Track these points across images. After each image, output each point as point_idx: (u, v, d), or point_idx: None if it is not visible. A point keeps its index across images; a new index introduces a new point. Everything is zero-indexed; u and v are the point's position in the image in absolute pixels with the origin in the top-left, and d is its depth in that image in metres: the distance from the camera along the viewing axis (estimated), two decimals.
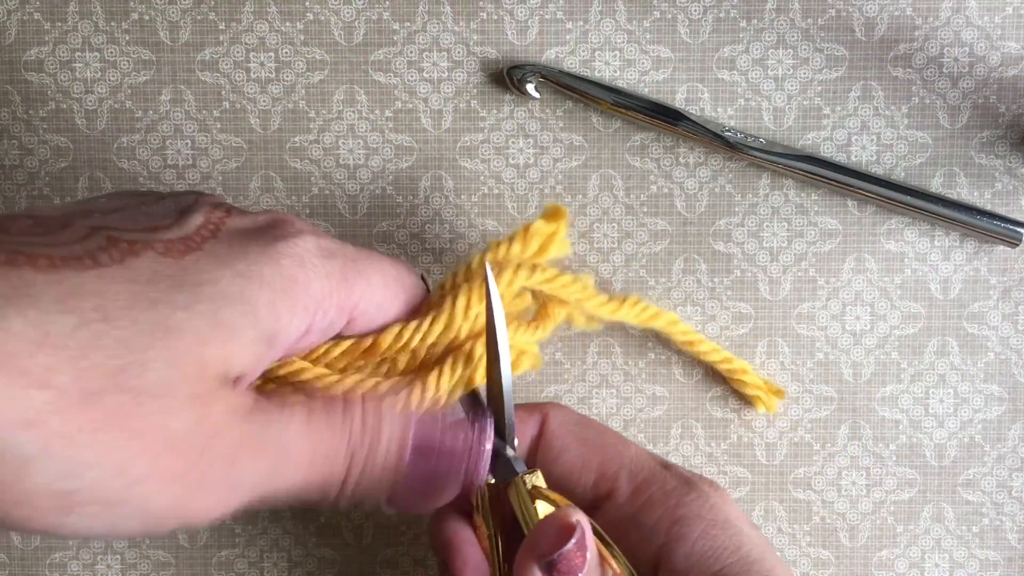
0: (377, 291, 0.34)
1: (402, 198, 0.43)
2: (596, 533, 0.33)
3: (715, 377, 0.43)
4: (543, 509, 0.33)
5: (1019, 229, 0.41)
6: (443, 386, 0.34)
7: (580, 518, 0.31)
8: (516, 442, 0.35)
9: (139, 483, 0.26)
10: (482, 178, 0.43)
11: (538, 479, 0.34)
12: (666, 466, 0.36)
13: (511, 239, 0.37)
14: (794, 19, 0.42)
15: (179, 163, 0.43)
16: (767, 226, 0.43)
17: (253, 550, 0.44)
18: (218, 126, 0.43)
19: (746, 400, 0.43)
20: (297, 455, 0.31)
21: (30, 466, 0.25)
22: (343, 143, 0.43)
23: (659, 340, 0.43)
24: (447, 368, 0.35)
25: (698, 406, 0.43)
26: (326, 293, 0.32)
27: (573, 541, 0.31)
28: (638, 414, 0.43)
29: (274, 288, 0.30)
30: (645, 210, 0.43)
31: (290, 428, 0.30)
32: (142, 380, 0.26)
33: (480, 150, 0.43)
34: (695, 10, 0.42)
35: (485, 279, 0.34)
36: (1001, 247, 0.42)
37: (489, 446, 0.34)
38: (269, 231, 0.31)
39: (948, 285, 0.43)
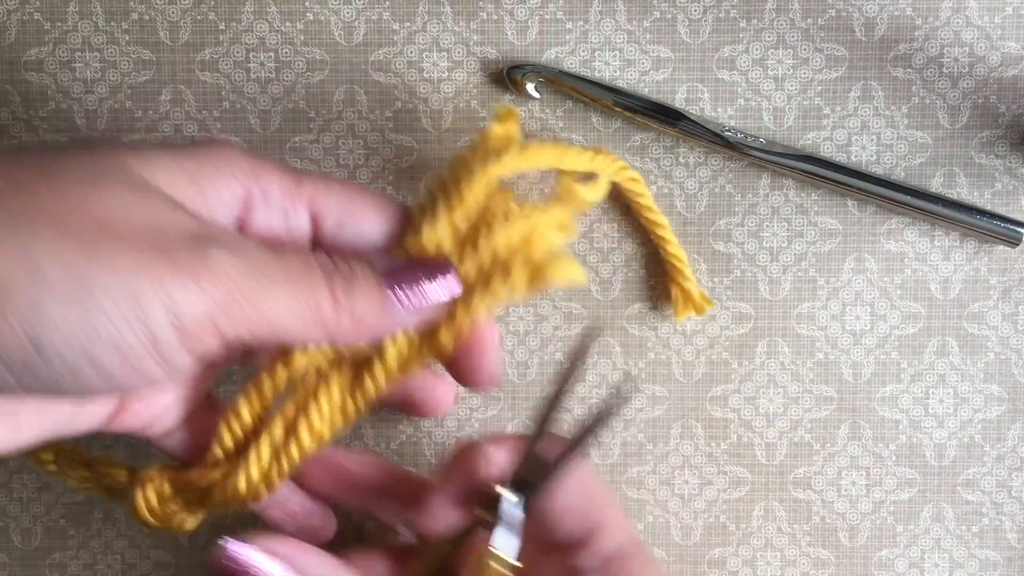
0: (339, 198, 0.34)
1: (402, 198, 0.43)
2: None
3: (715, 376, 0.43)
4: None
5: (1019, 229, 0.41)
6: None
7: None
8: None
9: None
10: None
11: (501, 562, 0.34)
12: (645, 545, 0.36)
13: (472, 152, 0.36)
14: (794, 19, 0.42)
15: None
16: (767, 226, 0.43)
17: None
18: (218, 126, 0.43)
19: (665, 299, 0.43)
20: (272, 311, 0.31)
21: None
22: (343, 143, 0.43)
23: (659, 340, 0.43)
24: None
25: (698, 406, 0.44)
26: (261, 167, 0.33)
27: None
28: (638, 414, 0.44)
29: (191, 148, 0.32)
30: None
31: (242, 259, 0.30)
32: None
33: None
34: (695, 10, 0.42)
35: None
36: (1001, 247, 0.42)
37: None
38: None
39: (948, 285, 0.43)
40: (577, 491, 0.35)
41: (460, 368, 0.36)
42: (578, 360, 0.35)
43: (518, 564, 0.34)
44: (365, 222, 0.34)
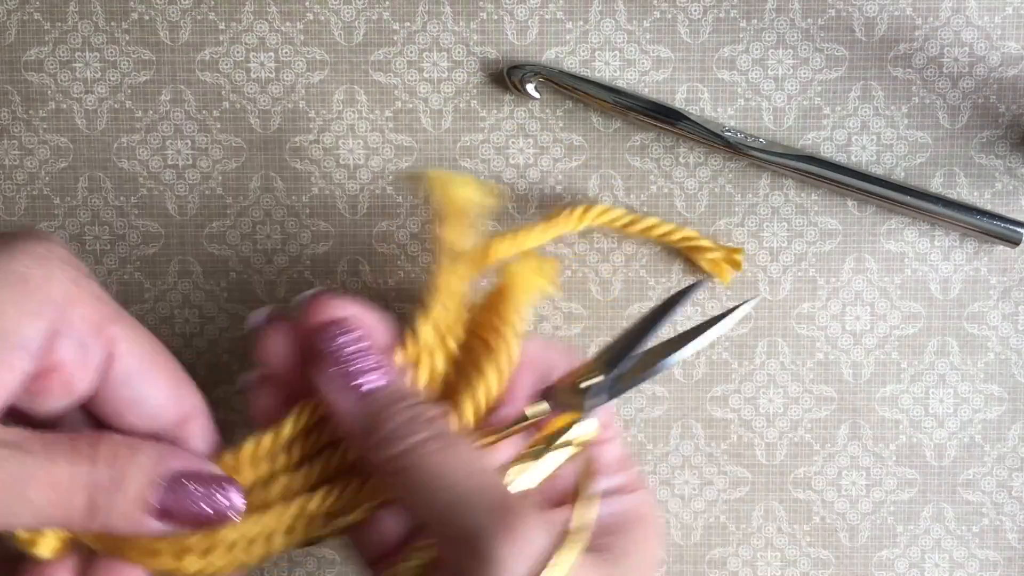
0: (142, 349, 0.31)
1: (402, 198, 0.43)
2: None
3: (715, 376, 0.43)
4: None
5: (1019, 229, 0.41)
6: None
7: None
8: None
9: None
10: (482, 178, 0.43)
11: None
12: None
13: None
14: (794, 19, 0.42)
15: (179, 163, 0.43)
16: (767, 226, 0.43)
17: None
18: (218, 126, 0.43)
19: (702, 271, 0.43)
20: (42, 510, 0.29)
21: None
22: (343, 143, 0.43)
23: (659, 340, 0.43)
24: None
25: (698, 406, 0.43)
26: (71, 299, 0.29)
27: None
28: (638, 414, 0.43)
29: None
30: (645, 210, 0.43)
31: (25, 465, 0.28)
32: None
33: (480, 150, 0.43)
34: (695, 10, 0.42)
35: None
36: (1001, 247, 0.42)
37: None
38: (21, 235, 0.30)
39: (948, 285, 0.43)
40: (621, 448, 0.35)
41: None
42: (675, 303, 0.34)
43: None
44: (153, 388, 0.32)
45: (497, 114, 0.43)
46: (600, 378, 0.33)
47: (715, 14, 0.42)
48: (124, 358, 0.31)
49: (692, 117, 0.42)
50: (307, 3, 0.42)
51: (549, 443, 0.33)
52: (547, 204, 0.43)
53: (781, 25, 0.42)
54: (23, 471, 0.28)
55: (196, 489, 0.31)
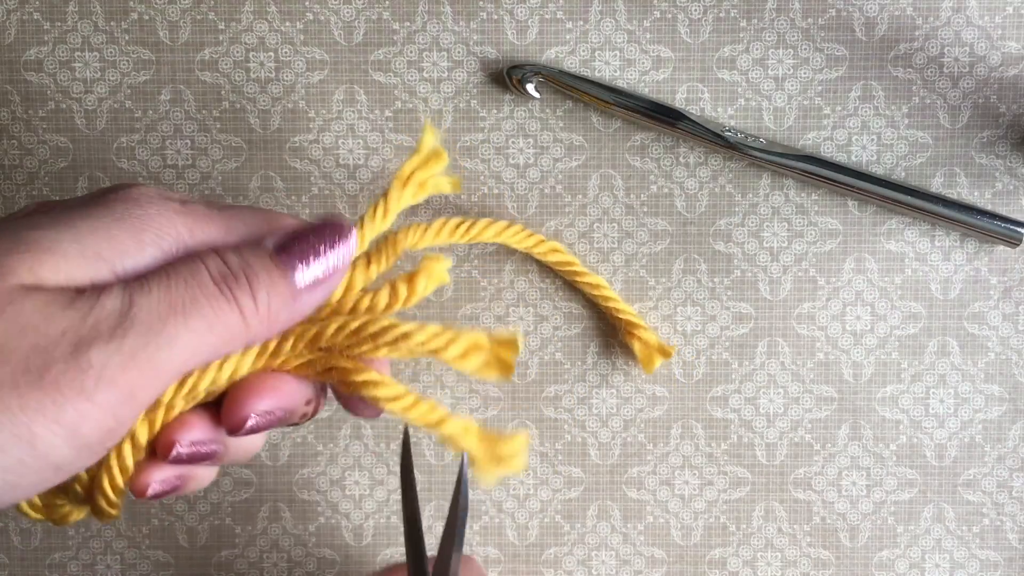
0: (249, 220, 0.32)
1: None
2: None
3: (715, 376, 0.43)
4: None
5: (1019, 229, 0.41)
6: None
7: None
8: None
9: None
10: (482, 178, 0.43)
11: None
12: None
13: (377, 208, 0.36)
14: (794, 19, 0.42)
15: (179, 163, 0.43)
16: (767, 226, 0.43)
17: (253, 550, 0.44)
18: (218, 126, 0.43)
19: (631, 350, 0.43)
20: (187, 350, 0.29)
21: None
22: (343, 143, 0.43)
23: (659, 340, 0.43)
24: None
25: (698, 406, 0.43)
26: (183, 226, 0.30)
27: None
28: (638, 414, 0.43)
29: (104, 217, 0.29)
30: (645, 210, 0.43)
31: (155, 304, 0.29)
32: None
33: (480, 150, 0.43)
34: (695, 10, 0.42)
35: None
36: (1001, 247, 0.42)
37: None
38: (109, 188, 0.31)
39: (948, 285, 0.43)
40: None
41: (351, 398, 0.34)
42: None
43: None
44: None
45: (497, 114, 0.43)
46: None
47: (715, 14, 0.42)
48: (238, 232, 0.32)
49: (692, 117, 0.41)
50: (307, 3, 0.42)
51: None
52: (547, 204, 0.43)
53: (781, 25, 0.42)
54: (164, 327, 0.28)
55: (317, 241, 0.31)
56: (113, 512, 0.32)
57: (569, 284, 0.43)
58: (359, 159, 0.43)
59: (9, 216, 0.30)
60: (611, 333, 0.43)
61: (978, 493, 0.43)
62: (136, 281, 0.29)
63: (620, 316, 0.42)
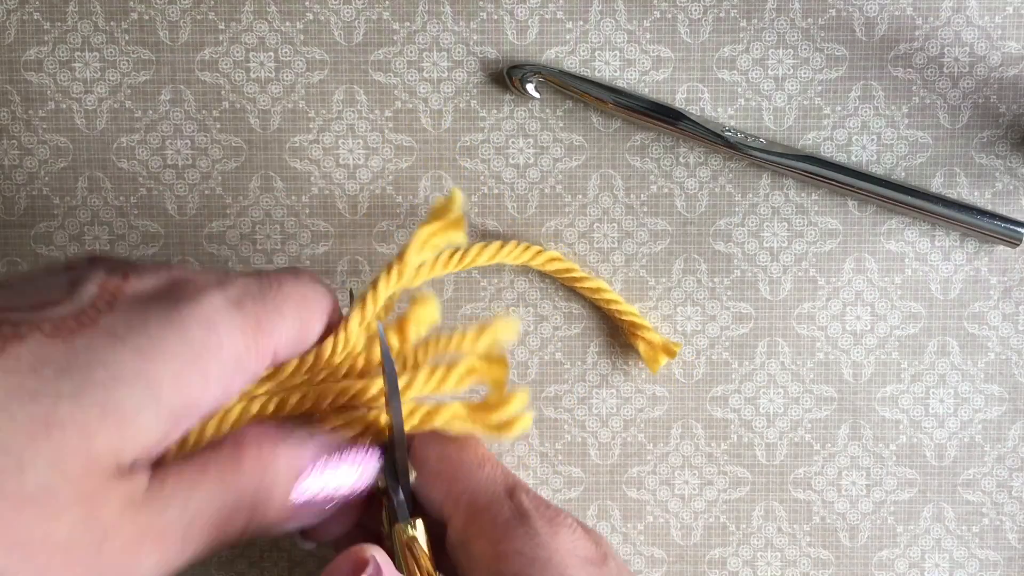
0: (294, 324, 0.32)
1: (402, 198, 0.43)
2: (419, 562, 0.33)
3: (715, 376, 0.43)
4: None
5: (1019, 229, 0.41)
6: (342, 434, 0.34)
7: (375, 554, 0.30)
8: (411, 476, 0.35)
9: None
10: (482, 178, 0.43)
11: (416, 530, 0.34)
12: (511, 493, 0.33)
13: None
14: (794, 19, 0.42)
15: (179, 163, 0.43)
16: (767, 226, 0.43)
17: (253, 550, 0.44)
18: (218, 126, 0.43)
19: (631, 350, 0.43)
20: (200, 525, 0.29)
21: None
22: (343, 143, 0.43)
23: None
24: (343, 417, 0.34)
25: (698, 406, 0.43)
26: (242, 350, 0.30)
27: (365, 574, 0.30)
28: (638, 414, 0.43)
29: (182, 359, 0.28)
30: (645, 210, 0.43)
31: (190, 504, 0.28)
32: (20, 484, 0.24)
33: (480, 150, 0.43)
34: (695, 10, 0.42)
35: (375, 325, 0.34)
36: (1001, 247, 0.42)
37: (369, 472, 0.34)
38: (172, 293, 0.29)
39: (948, 285, 0.43)
40: (429, 477, 0.34)
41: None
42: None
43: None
44: (314, 336, 0.33)
45: (497, 114, 0.43)
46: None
47: (715, 14, 0.42)
48: (284, 344, 0.32)
49: (692, 117, 0.41)
50: (307, 3, 0.42)
51: None
52: (547, 204, 0.43)
53: (781, 25, 0.42)
54: (184, 509, 0.29)
55: (329, 468, 0.32)
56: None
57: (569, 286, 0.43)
58: (359, 159, 0.43)
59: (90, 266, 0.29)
60: (611, 333, 0.43)
61: (978, 493, 0.43)
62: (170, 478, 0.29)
63: (623, 318, 0.42)
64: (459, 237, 0.37)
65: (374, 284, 0.35)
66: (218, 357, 0.29)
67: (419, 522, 0.34)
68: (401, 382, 0.34)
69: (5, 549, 0.24)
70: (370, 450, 0.33)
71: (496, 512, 0.33)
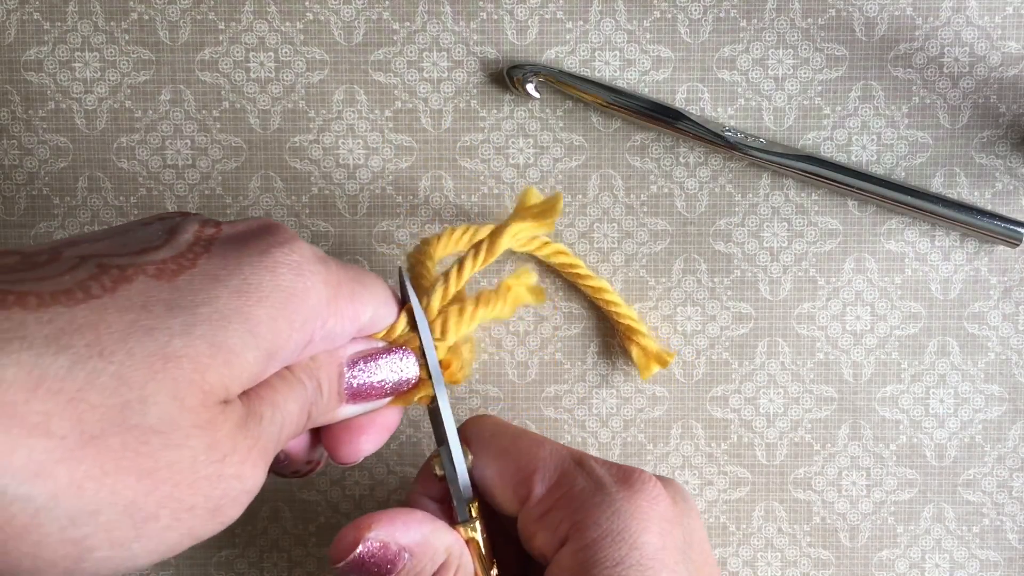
0: (373, 299, 0.33)
1: (402, 198, 0.43)
2: (478, 548, 0.34)
3: (715, 376, 0.43)
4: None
5: (1019, 229, 0.41)
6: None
7: (372, 535, 0.32)
8: (467, 462, 0.35)
9: (153, 520, 0.26)
10: (482, 178, 0.43)
11: (476, 531, 0.34)
12: (580, 463, 0.34)
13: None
14: (794, 19, 0.42)
15: (179, 163, 0.43)
16: (767, 226, 0.43)
17: (253, 550, 0.44)
18: (218, 126, 0.43)
19: (624, 353, 0.43)
20: (288, 431, 0.31)
21: (39, 517, 0.24)
22: (343, 143, 0.43)
23: (659, 341, 0.43)
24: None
25: (698, 406, 0.43)
26: (325, 301, 0.31)
27: (356, 553, 0.31)
28: (638, 414, 0.43)
29: (274, 301, 0.29)
30: (645, 210, 0.43)
31: (276, 416, 0.30)
32: (144, 417, 0.25)
33: (480, 150, 0.43)
34: (695, 10, 0.42)
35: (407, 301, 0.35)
36: (1001, 247, 0.42)
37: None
38: (263, 239, 0.30)
39: (948, 285, 0.43)
40: (488, 462, 0.35)
41: (334, 439, 0.35)
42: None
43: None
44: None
45: (497, 114, 0.43)
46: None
47: (715, 14, 0.42)
48: (368, 316, 0.34)
49: (692, 117, 0.41)
50: (307, 3, 0.42)
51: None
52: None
53: (781, 25, 0.42)
54: (274, 422, 0.30)
55: (373, 366, 0.33)
56: None
57: (569, 284, 0.43)
58: (359, 159, 0.43)
59: (185, 223, 0.31)
60: (611, 333, 0.43)
61: (978, 493, 0.43)
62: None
63: (621, 321, 0.42)
64: (544, 232, 0.39)
65: (459, 264, 0.36)
66: (305, 303, 0.30)
67: (478, 524, 0.34)
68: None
69: (135, 479, 0.25)
70: (405, 350, 0.35)
71: (571, 483, 0.33)
